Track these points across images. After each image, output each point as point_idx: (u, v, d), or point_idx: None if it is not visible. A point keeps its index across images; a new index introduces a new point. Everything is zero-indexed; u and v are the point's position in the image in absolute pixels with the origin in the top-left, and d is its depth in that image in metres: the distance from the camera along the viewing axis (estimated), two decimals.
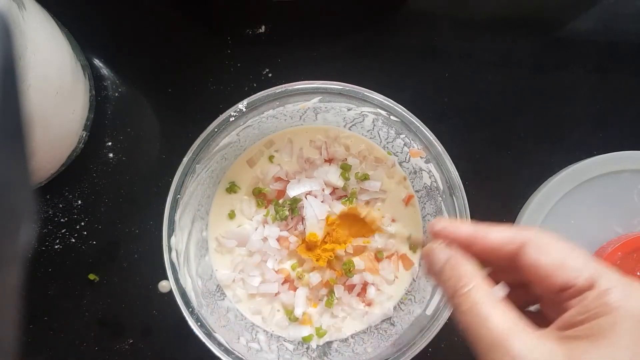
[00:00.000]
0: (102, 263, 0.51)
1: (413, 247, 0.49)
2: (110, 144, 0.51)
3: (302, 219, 0.48)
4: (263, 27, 0.52)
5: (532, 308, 0.30)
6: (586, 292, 0.24)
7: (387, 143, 0.49)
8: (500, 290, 0.27)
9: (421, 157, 0.45)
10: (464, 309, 0.26)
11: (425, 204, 0.49)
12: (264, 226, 0.49)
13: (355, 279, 0.48)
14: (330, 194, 0.49)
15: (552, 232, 0.27)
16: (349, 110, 0.46)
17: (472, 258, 0.28)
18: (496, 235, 0.28)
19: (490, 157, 0.52)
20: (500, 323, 0.24)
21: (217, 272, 0.49)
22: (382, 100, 0.43)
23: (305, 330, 0.49)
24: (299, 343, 0.49)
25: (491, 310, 0.25)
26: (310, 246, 0.48)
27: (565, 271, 0.25)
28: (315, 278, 0.48)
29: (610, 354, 0.23)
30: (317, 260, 0.48)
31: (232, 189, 0.49)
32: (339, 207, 0.49)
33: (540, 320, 0.27)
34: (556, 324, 0.25)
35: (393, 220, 0.50)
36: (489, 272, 0.30)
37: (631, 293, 0.24)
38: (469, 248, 0.29)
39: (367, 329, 0.49)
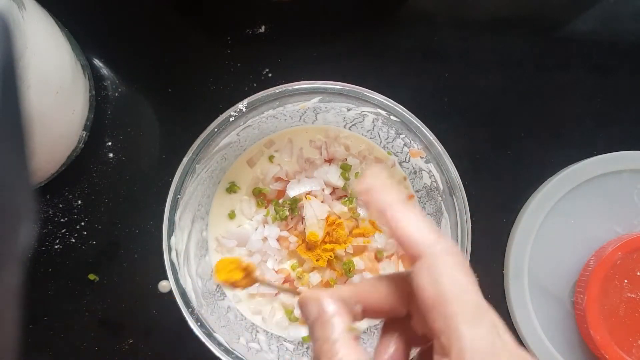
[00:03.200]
0: (102, 263, 0.51)
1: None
2: (110, 143, 0.51)
3: (302, 219, 0.48)
4: (263, 27, 0.52)
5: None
6: (444, 357, 0.21)
7: (387, 143, 0.49)
8: None
9: (421, 157, 0.45)
10: None
11: (425, 204, 0.49)
12: (264, 226, 0.49)
13: (355, 279, 0.48)
14: (330, 194, 0.49)
15: (460, 258, 0.22)
16: (349, 110, 0.46)
17: (345, 312, 0.24)
18: (405, 228, 0.23)
19: (490, 157, 0.52)
20: None
21: None
22: (382, 100, 0.43)
23: (305, 330, 0.49)
24: (299, 343, 0.49)
25: None
26: (310, 246, 0.48)
27: (438, 317, 0.21)
28: (315, 278, 0.48)
29: None
30: (317, 260, 0.48)
31: (232, 189, 0.49)
32: (339, 207, 0.49)
33: None
34: None
35: None
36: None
37: None
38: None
39: (367, 329, 0.49)
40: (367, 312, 0.26)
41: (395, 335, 0.26)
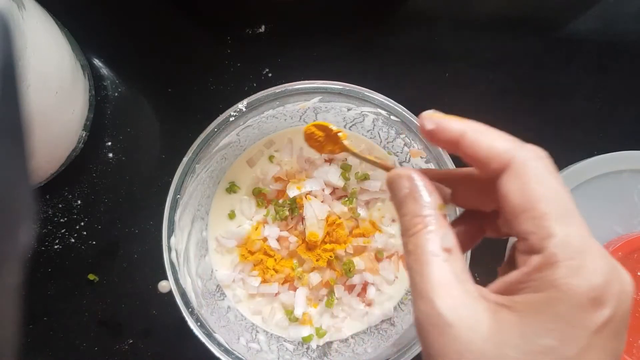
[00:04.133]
0: (102, 263, 0.51)
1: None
2: (109, 143, 0.51)
3: (302, 219, 0.48)
4: (263, 27, 0.52)
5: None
6: (533, 254, 0.21)
7: (387, 143, 0.49)
8: (449, 240, 0.23)
9: (421, 157, 0.45)
10: (409, 249, 0.24)
11: None
12: (264, 226, 0.49)
13: (355, 279, 0.48)
14: (330, 194, 0.49)
15: (548, 158, 0.22)
16: (349, 110, 0.46)
17: (436, 191, 0.25)
18: (484, 146, 0.23)
19: None
20: (435, 273, 0.22)
21: (217, 272, 0.49)
22: (382, 100, 0.43)
23: (305, 331, 0.49)
24: (299, 343, 0.49)
25: (431, 258, 0.23)
26: (310, 246, 0.48)
27: (527, 220, 0.21)
28: (315, 278, 0.48)
29: (531, 339, 0.20)
30: (317, 260, 0.48)
31: (232, 189, 0.49)
32: (339, 207, 0.49)
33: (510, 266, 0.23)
34: (496, 284, 0.22)
35: (393, 221, 0.50)
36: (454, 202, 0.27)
37: (581, 268, 0.19)
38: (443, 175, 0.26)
39: (367, 329, 0.49)
40: (456, 199, 0.26)
41: (475, 224, 0.26)
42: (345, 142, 0.31)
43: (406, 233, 0.24)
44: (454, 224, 0.27)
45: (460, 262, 0.23)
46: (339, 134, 0.31)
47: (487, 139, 0.23)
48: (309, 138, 0.32)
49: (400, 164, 0.50)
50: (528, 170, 0.22)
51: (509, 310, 0.21)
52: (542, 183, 0.21)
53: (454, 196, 0.26)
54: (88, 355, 0.50)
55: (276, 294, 0.49)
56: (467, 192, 0.26)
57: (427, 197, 0.24)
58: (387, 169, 0.27)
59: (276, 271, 0.49)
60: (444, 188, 0.26)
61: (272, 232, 0.48)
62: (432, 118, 0.25)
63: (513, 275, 0.21)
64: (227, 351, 0.43)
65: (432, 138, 0.25)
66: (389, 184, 0.26)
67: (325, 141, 0.32)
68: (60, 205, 0.51)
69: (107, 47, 0.52)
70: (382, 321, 0.49)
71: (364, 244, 0.49)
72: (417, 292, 0.22)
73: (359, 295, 0.49)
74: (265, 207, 0.50)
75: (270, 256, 0.49)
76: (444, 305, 0.21)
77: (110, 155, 0.51)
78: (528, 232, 0.21)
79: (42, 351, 0.50)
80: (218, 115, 0.43)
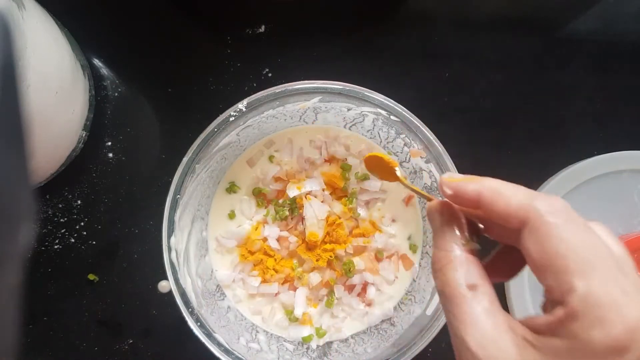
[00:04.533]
0: (102, 263, 0.51)
1: (413, 247, 0.49)
2: (109, 143, 0.51)
3: (302, 219, 0.48)
4: (263, 27, 0.52)
5: None
6: (557, 306, 0.21)
7: (387, 143, 0.49)
8: (472, 276, 0.24)
9: (421, 157, 0.45)
10: (438, 286, 0.25)
11: (425, 204, 0.49)
12: (264, 226, 0.49)
13: (355, 279, 0.48)
14: (330, 194, 0.49)
15: (566, 209, 0.22)
16: (349, 110, 0.46)
17: (464, 227, 0.26)
18: (501, 205, 0.24)
19: (490, 157, 0.52)
20: (464, 311, 0.23)
21: (217, 272, 0.49)
22: (382, 100, 0.43)
23: (305, 331, 0.49)
24: (299, 343, 0.49)
25: (459, 298, 0.24)
26: (310, 246, 0.48)
27: (549, 275, 0.22)
28: (315, 278, 0.48)
29: None
30: (317, 260, 0.48)
31: (232, 189, 0.49)
32: (339, 207, 0.49)
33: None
34: (526, 320, 0.23)
35: (393, 221, 0.50)
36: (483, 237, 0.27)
37: (600, 320, 0.20)
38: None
39: (367, 329, 0.49)
40: (490, 234, 0.27)
41: (515, 254, 0.26)
42: (398, 173, 0.33)
43: (433, 265, 0.26)
44: (497, 254, 0.28)
45: (487, 296, 0.24)
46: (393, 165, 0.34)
47: (502, 198, 0.24)
48: (368, 165, 0.35)
49: (400, 164, 0.50)
50: (544, 225, 0.22)
51: (535, 349, 0.22)
52: (559, 238, 0.22)
53: (489, 231, 0.27)
54: (88, 355, 0.50)
55: (276, 294, 0.49)
56: (501, 231, 0.26)
57: (453, 232, 0.26)
58: (428, 199, 0.29)
59: (276, 271, 0.49)
60: (478, 224, 0.27)
61: (272, 232, 0.48)
62: (450, 184, 0.26)
63: (541, 320, 0.22)
64: (227, 351, 0.43)
65: (454, 202, 0.26)
66: (427, 215, 0.28)
67: (381, 169, 0.35)
68: (60, 205, 0.51)
69: (107, 47, 0.52)
70: (382, 321, 0.49)
71: (364, 244, 0.49)
72: (451, 330, 0.24)
73: (359, 295, 0.49)
74: (265, 207, 0.50)
75: (270, 256, 0.49)
76: (473, 343, 0.22)
77: (110, 155, 0.51)
78: (551, 287, 0.22)
79: (42, 351, 0.50)
80: (218, 115, 0.43)
